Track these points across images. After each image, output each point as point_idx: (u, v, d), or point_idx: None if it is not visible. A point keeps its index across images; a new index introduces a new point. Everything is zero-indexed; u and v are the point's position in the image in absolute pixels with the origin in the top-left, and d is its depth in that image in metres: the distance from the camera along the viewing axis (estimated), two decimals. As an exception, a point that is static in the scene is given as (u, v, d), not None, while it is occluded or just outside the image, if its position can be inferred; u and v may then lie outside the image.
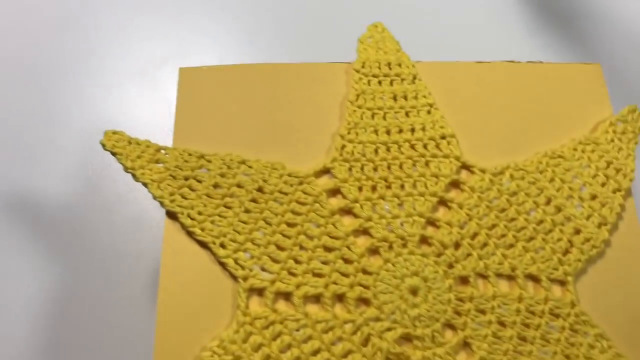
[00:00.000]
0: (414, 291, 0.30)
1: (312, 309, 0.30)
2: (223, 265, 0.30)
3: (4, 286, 0.40)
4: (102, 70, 0.47)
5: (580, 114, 0.35)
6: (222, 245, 0.31)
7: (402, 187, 0.32)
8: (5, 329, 0.39)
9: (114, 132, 0.32)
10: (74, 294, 0.41)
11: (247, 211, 0.31)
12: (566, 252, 0.31)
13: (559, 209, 0.32)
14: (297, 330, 0.29)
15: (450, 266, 0.31)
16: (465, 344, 0.29)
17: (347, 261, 0.31)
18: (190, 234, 0.31)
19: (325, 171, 0.33)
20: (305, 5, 0.42)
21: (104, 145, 0.32)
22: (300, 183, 0.32)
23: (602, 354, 0.29)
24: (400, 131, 0.34)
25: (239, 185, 0.32)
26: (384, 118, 0.34)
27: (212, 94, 0.34)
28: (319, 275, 0.30)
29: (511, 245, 0.31)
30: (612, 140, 0.34)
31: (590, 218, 0.32)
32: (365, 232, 0.31)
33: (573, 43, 0.50)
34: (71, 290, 0.41)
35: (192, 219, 0.31)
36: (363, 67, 0.35)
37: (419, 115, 0.34)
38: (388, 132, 0.34)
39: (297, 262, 0.30)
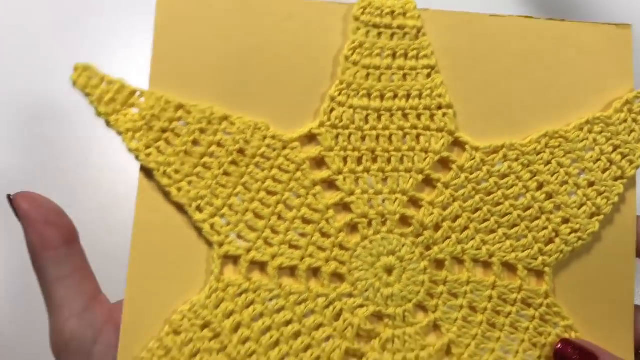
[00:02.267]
0: (389, 270, 0.30)
1: (287, 280, 0.30)
2: (198, 229, 0.30)
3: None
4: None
5: (597, 87, 0.32)
6: (199, 209, 0.30)
7: (389, 161, 0.31)
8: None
9: (85, 68, 0.30)
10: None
11: (226, 174, 0.30)
12: (549, 242, 0.30)
13: (550, 196, 0.31)
14: (270, 300, 0.29)
15: (428, 248, 0.30)
16: (436, 326, 0.30)
17: (324, 235, 0.30)
18: (165, 194, 0.30)
19: (310, 136, 0.31)
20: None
21: (74, 83, 0.30)
22: (284, 148, 0.30)
23: None
24: (395, 97, 0.31)
25: (219, 145, 0.30)
26: (379, 79, 0.31)
27: (193, 30, 0.31)
28: (296, 248, 0.30)
29: (492, 231, 0.30)
30: (625, 121, 0.31)
31: (583, 207, 0.31)
32: (345, 206, 0.30)
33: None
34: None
35: (168, 177, 0.30)
36: (363, 13, 0.32)
37: (417, 79, 0.31)
38: (382, 97, 0.31)
39: (274, 232, 0.30)
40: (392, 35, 0.32)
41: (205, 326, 0.29)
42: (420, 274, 0.30)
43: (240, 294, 0.29)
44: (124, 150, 0.31)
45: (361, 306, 0.30)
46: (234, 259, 0.30)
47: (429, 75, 0.31)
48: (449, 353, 0.30)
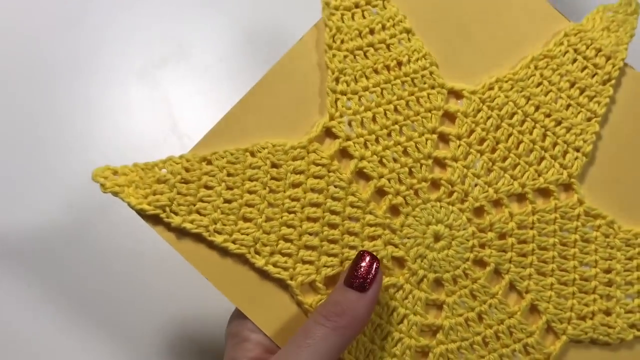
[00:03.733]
0: (437, 237, 0.32)
1: (356, 184, 0.32)
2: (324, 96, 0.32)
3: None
4: (102, 70, 0.48)
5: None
6: (337, 80, 0.32)
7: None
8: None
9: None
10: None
11: (375, 70, 0.33)
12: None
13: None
14: (335, 186, 0.31)
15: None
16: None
17: (411, 174, 0.32)
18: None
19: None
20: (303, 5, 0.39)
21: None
22: (432, 87, 0.33)
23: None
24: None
25: (387, 46, 0.33)
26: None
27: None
28: (383, 166, 0.32)
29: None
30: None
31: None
32: (443, 165, 0.33)
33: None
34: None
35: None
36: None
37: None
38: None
39: (376, 141, 0.32)
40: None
41: (274, 166, 0.31)
42: (461, 260, 0.32)
43: (317, 165, 0.32)
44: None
45: (395, 245, 0.32)
46: (332, 136, 0.32)
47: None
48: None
